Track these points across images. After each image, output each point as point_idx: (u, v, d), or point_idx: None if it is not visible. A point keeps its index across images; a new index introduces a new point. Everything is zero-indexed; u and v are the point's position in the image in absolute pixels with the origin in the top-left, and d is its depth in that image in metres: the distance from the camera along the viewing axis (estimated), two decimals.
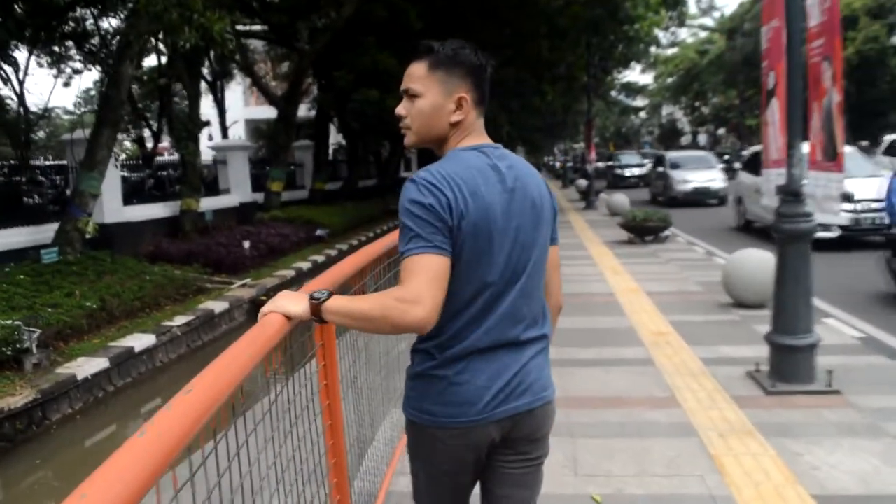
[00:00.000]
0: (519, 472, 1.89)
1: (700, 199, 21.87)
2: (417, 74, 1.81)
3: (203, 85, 28.68)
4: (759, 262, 7.03)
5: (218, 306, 10.76)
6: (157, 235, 14.39)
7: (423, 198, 1.66)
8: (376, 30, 19.38)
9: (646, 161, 35.87)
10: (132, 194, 15.35)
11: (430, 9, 19.78)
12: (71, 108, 40.76)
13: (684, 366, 5.31)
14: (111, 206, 13.23)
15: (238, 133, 35.93)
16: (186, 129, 15.95)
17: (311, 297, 1.72)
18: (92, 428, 7.54)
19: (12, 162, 14.59)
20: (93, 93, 43.30)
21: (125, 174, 16.81)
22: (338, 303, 1.70)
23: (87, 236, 11.52)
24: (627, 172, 35.28)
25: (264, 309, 1.80)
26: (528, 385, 1.79)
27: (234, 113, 38.28)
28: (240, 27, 21.51)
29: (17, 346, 7.38)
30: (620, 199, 19.19)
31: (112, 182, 13.20)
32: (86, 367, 7.75)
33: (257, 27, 22.95)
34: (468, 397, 1.74)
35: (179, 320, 9.79)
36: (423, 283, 1.60)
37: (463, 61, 1.80)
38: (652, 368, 5.29)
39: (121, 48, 11.64)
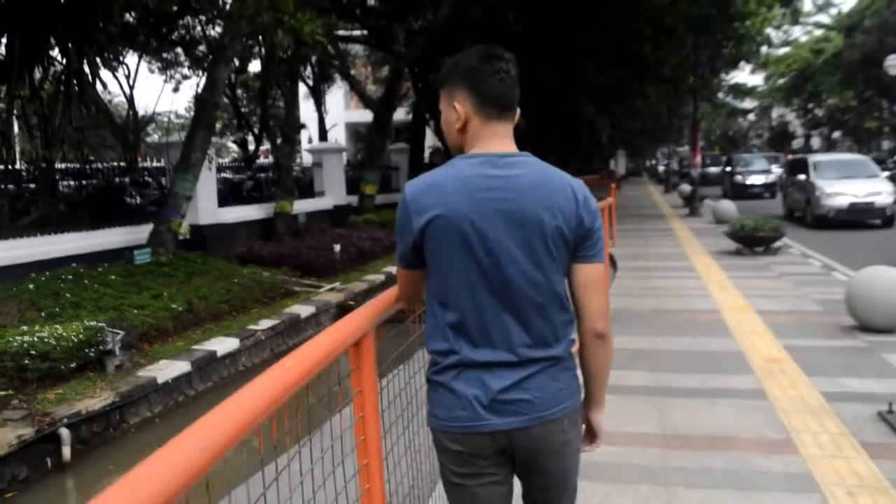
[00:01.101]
0: (538, 489, 1.93)
1: (859, 218, 16.37)
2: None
3: (305, 89, 29.26)
4: (889, 279, 6.23)
5: (304, 310, 10.61)
6: (251, 237, 14.47)
7: (400, 212, 1.81)
8: (474, 32, 18.98)
9: (774, 166, 30.92)
10: (231, 196, 15.55)
11: (530, 10, 19.24)
12: (182, 112, 42.37)
13: (802, 401, 4.65)
14: (206, 207, 13.34)
15: (337, 136, 36.31)
16: (282, 132, 16.01)
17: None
18: (169, 432, 7.22)
19: (114, 164, 14.99)
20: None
21: (228, 176, 17.14)
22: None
23: (180, 237, 11.60)
24: (751, 180, 29.03)
25: None
26: (525, 403, 1.78)
27: (334, 117, 38.83)
28: (340, 32, 21.68)
29: (101, 347, 7.34)
30: (728, 205, 18.13)
31: (207, 184, 13.31)
32: (167, 370, 7.66)
33: (357, 32, 23.03)
34: (460, 404, 1.78)
35: (264, 324, 9.66)
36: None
37: (457, 68, 1.83)
38: (764, 403, 4.64)
39: (216, 52, 11.68)
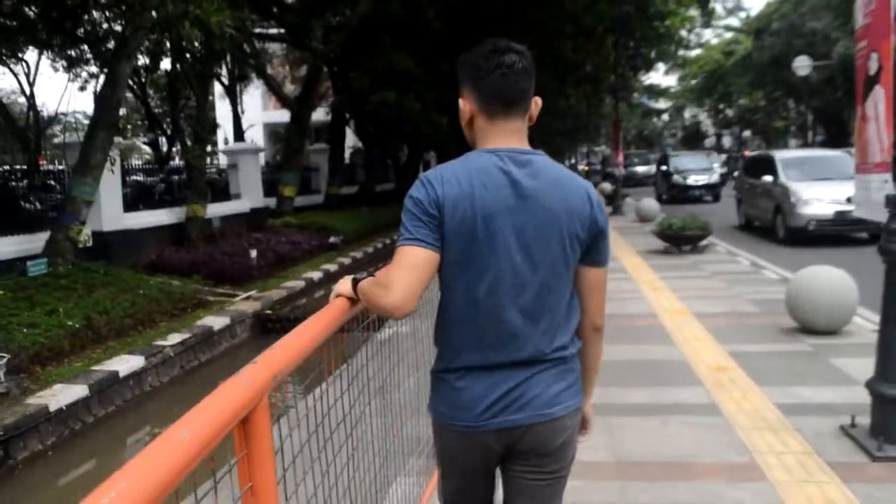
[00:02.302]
0: (534, 485, 1.88)
1: (845, 231, 12.71)
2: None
3: (221, 89, 28.14)
4: (830, 280, 6.03)
5: (218, 322, 9.90)
6: (161, 244, 13.58)
7: (415, 192, 1.73)
8: (393, 29, 18.55)
9: (715, 165, 27.30)
10: (142, 200, 14.59)
11: (449, 8, 18.87)
12: (91, 112, 40.31)
13: (758, 415, 4.33)
14: (110, 212, 12.42)
15: (255, 137, 35.20)
16: (193, 132, 15.14)
17: (353, 278, 1.89)
18: (66, 465, 6.67)
19: (11, 167, 13.87)
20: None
21: (139, 179, 16.11)
22: (363, 283, 1.82)
23: (81, 246, 10.69)
24: (692, 180, 25.11)
25: (333, 293, 1.95)
26: (528, 400, 1.77)
27: (252, 117, 37.68)
28: (257, 30, 20.82)
29: None
30: (650, 203, 18.16)
31: (111, 188, 12.41)
32: (61, 395, 6.89)
33: (274, 31, 22.21)
34: (465, 403, 1.78)
35: (174, 339, 8.93)
36: (397, 270, 1.68)
37: (464, 64, 1.81)
38: (719, 419, 4.30)
39: (117, 45, 10.82)
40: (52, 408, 6.70)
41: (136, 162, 21.40)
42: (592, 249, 1.81)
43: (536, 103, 1.84)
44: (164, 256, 12.62)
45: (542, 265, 1.74)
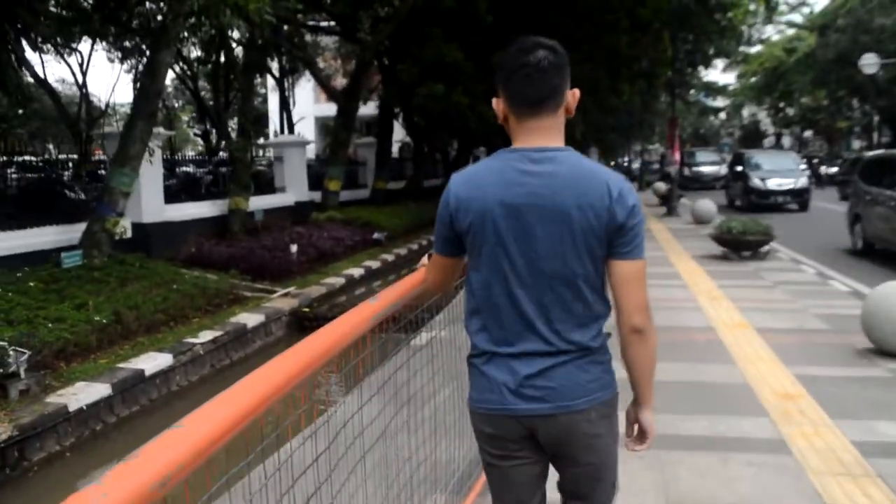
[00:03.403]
0: (572, 478, 1.94)
1: None
2: None
3: (273, 82, 28.06)
4: None
5: (252, 319, 9.60)
6: (202, 237, 13.39)
7: (442, 201, 1.89)
8: (444, 21, 18.09)
9: (801, 167, 23.16)
10: (189, 191, 14.46)
11: (503, 1, 18.33)
12: None
13: (833, 456, 3.77)
14: (150, 204, 12.26)
15: (306, 130, 35.14)
16: (238, 123, 14.94)
17: (428, 253, 2.18)
18: (83, 467, 6.39)
19: (61, 157, 13.79)
20: (170, 89, 43.71)
21: (188, 170, 16.02)
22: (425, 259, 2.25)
23: (118, 238, 10.51)
24: (773, 184, 21.27)
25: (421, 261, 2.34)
26: (551, 390, 1.81)
27: (303, 110, 37.65)
28: (309, 22, 20.63)
29: (1, 370, 6.29)
30: (707, 205, 17.37)
31: (152, 179, 12.25)
32: (82, 394, 6.64)
33: (325, 24, 21.98)
34: (490, 387, 1.86)
35: (205, 336, 8.65)
36: (429, 268, 2.14)
37: (500, 65, 1.83)
38: (788, 459, 3.75)
39: (157, 33, 10.59)
40: (72, 407, 6.45)
41: (189, 153, 21.38)
42: (615, 242, 1.79)
43: (574, 95, 1.85)
44: (203, 250, 12.41)
45: (555, 259, 1.78)
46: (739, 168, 22.59)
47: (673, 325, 6.88)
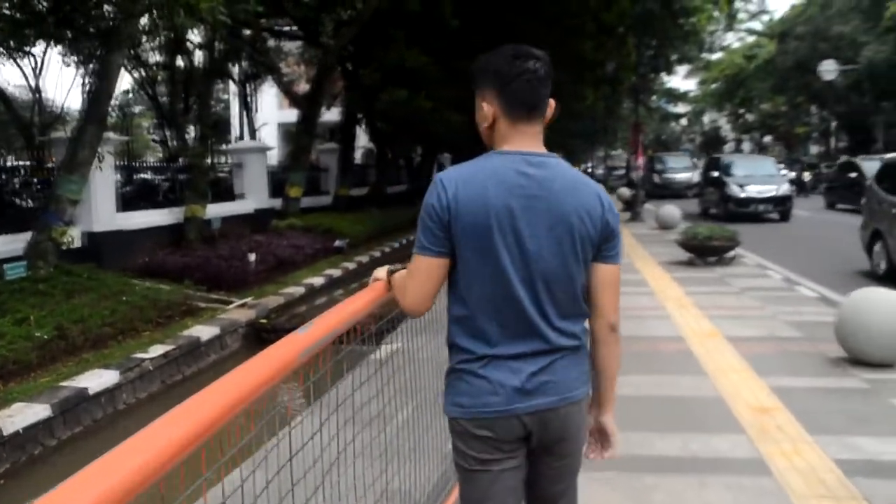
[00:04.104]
0: (555, 474, 1.97)
1: None
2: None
3: (235, 87, 27.53)
4: (887, 305, 5.23)
5: (207, 332, 9.21)
6: (158, 245, 12.93)
7: (429, 197, 1.83)
8: (407, 25, 17.83)
9: (783, 173, 22.57)
10: (142, 199, 13.99)
11: (466, 5, 18.13)
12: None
13: (815, 476, 3.54)
14: (102, 212, 11.78)
15: (269, 136, 34.58)
16: (196, 128, 14.50)
17: (389, 270, 2.14)
18: (21, 495, 5.98)
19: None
20: (130, 95, 42.74)
21: (147, 177, 15.52)
22: (397, 276, 2.06)
23: (66, 247, 10.04)
24: (749, 192, 19.70)
25: (372, 276, 2.20)
26: (553, 384, 1.85)
27: (266, 116, 37.09)
28: (272, 27, 20.22)
29: None
30: (671, 211, 17.32)
31: (104, 186, 11.79)
32: (19, 416, 6.22)
33: (289, 28, 21.58)
34: (492, 389, 1.83)
35: (155, 350, 8.24)
36: (412, 279, 1.90)
37: (488, 68, 1.88)
38: (769, 482, 3.51)
39: (107, 34, 10.15)
40: (8, 431, 6.03)
41: (150, 160, 20.79)
42: (604, 247, 1.90)
43: (551, 106, 1.92)
44: (156, 259, 11.96)
45: (555, 262, 1.83)
46: (715, 174, 21.09)
47: (641, 334, 6.66)
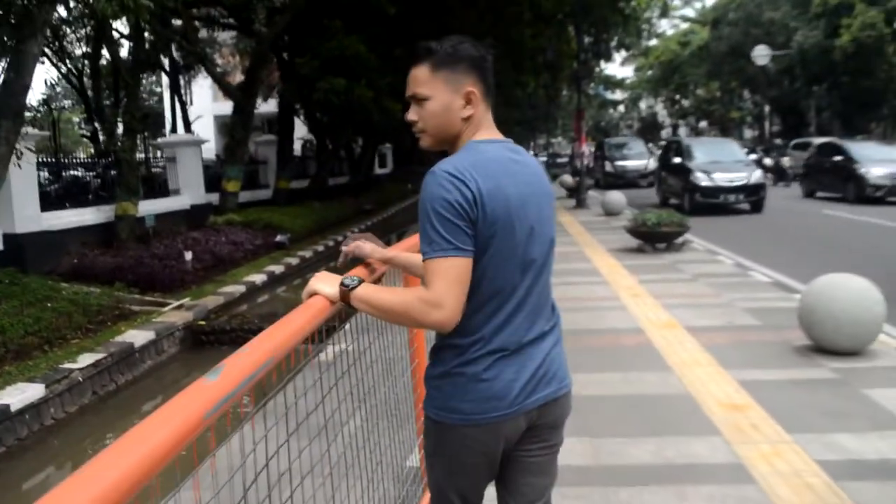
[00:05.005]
0: (540, 461, 1.92)
1: None
2: (422, 78, 1.84)
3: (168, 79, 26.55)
4: (855, 291, 5.09)
5: (141, 336, 8.70)
6: (87, 246, 12.25)
7: (447, 193, 1.69)
8: (344, 13, 17.37)
9: (751, 157, 20.79)
10: (70, 197, 13.23)
11: None
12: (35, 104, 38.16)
13: (801, 481, 3.32)
14: (23, 212, 11.06)
15: (205, 129, 33.61)
16: (124, 122, 13.78)
17: (342, 284, 1.78)
18: None
19: None
20: (59, 89, 40.99)
21: (78, 174, 14.73)
22: (366, 291, 1.77)
23: None
24: (723, 179, 17.30)
25: (305, 290, 1.84)
26: (553, 374, 1.85)
27: (201, 108, 36.08)
28: (200, 15, 19.48)
29: None
30: (616, 197, 17.26)
31: (24, 184, 11.06)
32: None
33: (226, 20, 20.84)
34: (497, 392, 1.76)
35: (85, 360, 7.70)
36: (445, 286, 1.66)
37: (464, 55, 1.82)
38: (752, 490, 3.26)
39: (21, 22, 9.47)
40: None
41: (81, 156, 19.82)
42: None
43: None
44: (85, 261, 11.31)
45: (548, 245, 1.86)
46: (677, 160, 18.68)
47: (599, 327, 6.43)
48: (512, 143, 1.88)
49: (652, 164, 26.16)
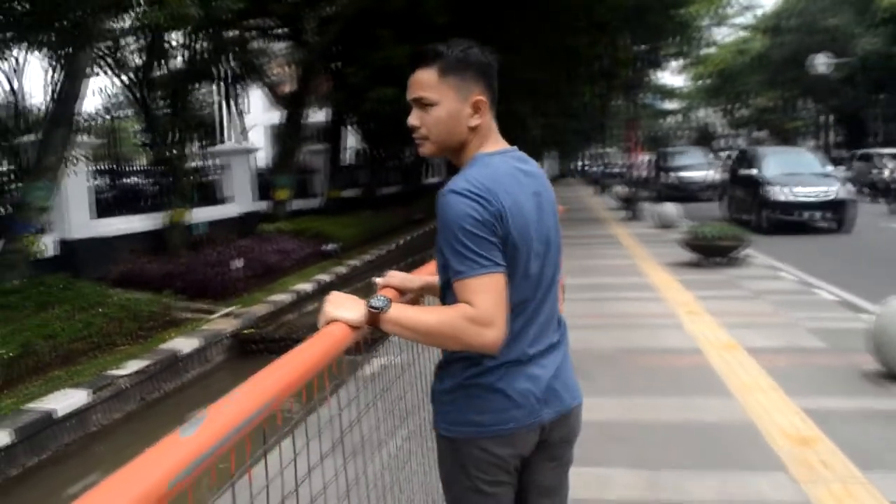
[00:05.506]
0: (553, 481, 1.88)
1: None
2: (428, 82, 1.76)
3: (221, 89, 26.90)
4: None
5: (188, 344, 8.68)
6: (139, 252, 12.38)
7: (474, 211, 1.64)
8: (394, 22, 17.33)
9: (831, 169, 17.33)
10: (126, 204, 13.43)
11: (455, 1, 17.63)
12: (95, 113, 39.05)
13: None
14: (78, 218, 11.24)
15: (259, 138, 34.00)
16: (176, 130, 13.93)
17: (371, 306, 1.64)
18: None
19: None
20: (119, 98, 41.92)
21: (135, 181, 14.98)
22: (401, 313, 1.65)
23: (36, 257, 9.49)
24: (802, 194, 15.16)
25: (322, 317, 1.66)
26: (564, 385, 1.81)
27: (256, 118, 36.51)
28: (254, 26, 19.70)
29: None
30: (671, 209, 16.81)
31: (78, 191, 11.24)
32: None
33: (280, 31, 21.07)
34: (514, 402, 1.73)
35: (131, 366, 7.70)
36: (494, 303, 1.60)
37: (473, 62, 1.77)
38: None
39: (75, 32, 9.61)
40: None
41: (142, 164, 20.20)
42: None
43: None
44: (136, 267, 11.39)
45: (558, 255, 1.84)
46: (747, 172, 16.60)
47: (653, 346, 6.16)
48: (518, 152, 1.84)
49: (713, 175, 24.80)
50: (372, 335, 1.76)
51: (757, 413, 4.42)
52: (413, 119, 1.80)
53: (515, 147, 1.85)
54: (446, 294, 1.78)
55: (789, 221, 14.91)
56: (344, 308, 1.65)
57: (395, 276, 2.08)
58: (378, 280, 2.06)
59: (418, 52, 1.79)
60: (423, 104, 1.76)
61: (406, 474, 2.52)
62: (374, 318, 1.62)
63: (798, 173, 15.63)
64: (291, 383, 1.28)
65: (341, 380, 1.97)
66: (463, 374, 1.74)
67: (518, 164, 1.78)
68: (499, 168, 1.73)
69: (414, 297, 2.16)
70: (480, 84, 1.76)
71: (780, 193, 15.06)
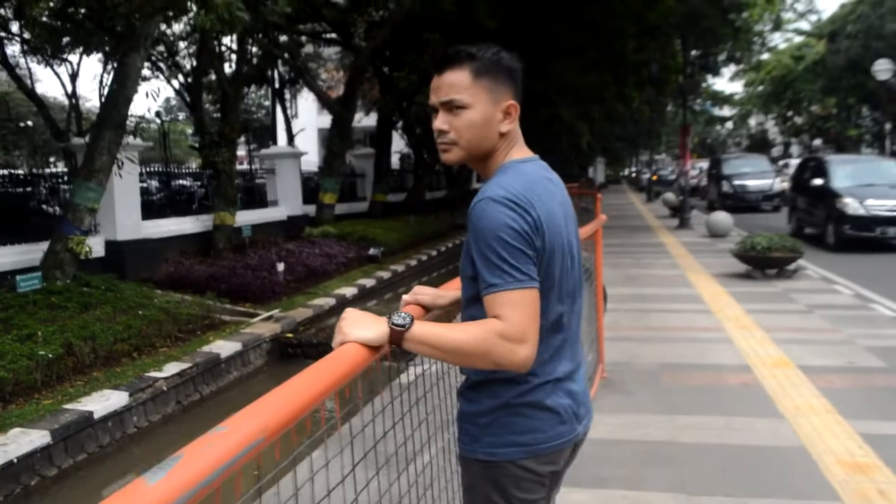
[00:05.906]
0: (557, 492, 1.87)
1: None
2: (461, 83, 1.68)
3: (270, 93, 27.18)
4: None
5: (228, 347, 8.68)
6: (185, 254, 12.51)
7: (512, 221, 1.56)
8: (442, 27, 17.28)
9: None
10: (174, 206, 13.64)
11: (505, 5, 17.51)
12: (150, 116, 39.90)
13: None
14: (126, 220, 11.39)
15: (309, 142, 34.31)
16: (221, 133, 14.03)
17: (393, 324, 1.53)
18: None
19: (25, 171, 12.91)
20: (173, 102, 42.76)
21: (185, 183, 15.21)
22: (426, 330, 1.55)
23: (83, 258, 9.60)
24: (882, 207, 13.31)
25: (337, 336, 1.54)
26: (585, 402, 1.80)
27: (305, 121, 36.84)
28: (304, 30, 19.86)
29: None
30: (722, 218, 16.38)
31: (127, 193, 11.38)
32: (14, 444, 5.70)
33: (330, 36, 21.21)
34: (559, 419, 1.70)
35: (171, 369, 7.71)
36: (527, 319, 1.52)
37: (505, 65, 1.72)
38: None
39: (125, 35, 9.71)
40: (0, 461, 5.51)
41: (192, 166, 20.55)
42: None
43: None
44: (181, 269, 11.50)
45: (580, 267, 1.79)
46: (817, 182, 14.78)
47: (701, 362, 5.91)
48: (541, 161, 1.79)
49: (778, 184, 23.26)
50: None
51: (809, 437, 4.16)
52: (440, 123, 1.70)
53: (537, 156, 1.79)
54: (469, 308, 1.70)
55: (866, 238, 13.17)
56: (361, 327, 1.53)
57: (424, 293, 1.97)
58: (405, 297, 1.96)
59: (447, 52, 1.71)
60: (454, 107, 1.67)
61: (436, 489, 2.41)
62: (396, 336, 1.53)
63: (876, 184, 13.91)
64: (290, 414, 1.15)
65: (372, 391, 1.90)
66: (508, 393, 1.67)
67: (545, 173, 1.74)
68: (531, 176, 1.67)
69: (441, 313, 2.04)
70: (511, 89, 1.71)
71: (856, 207, 13.37)
